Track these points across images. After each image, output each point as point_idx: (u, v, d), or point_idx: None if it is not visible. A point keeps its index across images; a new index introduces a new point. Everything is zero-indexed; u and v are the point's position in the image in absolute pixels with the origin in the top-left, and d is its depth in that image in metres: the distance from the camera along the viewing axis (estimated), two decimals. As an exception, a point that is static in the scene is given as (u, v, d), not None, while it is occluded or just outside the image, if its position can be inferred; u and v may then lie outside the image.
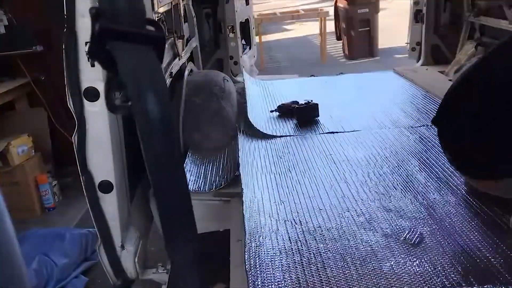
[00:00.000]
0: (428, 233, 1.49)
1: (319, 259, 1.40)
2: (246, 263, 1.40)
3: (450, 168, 1.93)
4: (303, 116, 2.68)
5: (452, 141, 1.70)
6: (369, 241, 1.48)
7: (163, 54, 0.58)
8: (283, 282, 1.32)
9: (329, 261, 1.39)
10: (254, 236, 1.55)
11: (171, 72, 2.32)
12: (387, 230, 1.53)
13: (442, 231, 1.50)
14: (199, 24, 3.52)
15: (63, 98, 1.46)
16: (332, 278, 1.31)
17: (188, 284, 0.59)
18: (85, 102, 1.42)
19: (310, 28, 9.51)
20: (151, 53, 0.55)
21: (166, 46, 2.37)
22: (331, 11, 7.51)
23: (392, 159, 2.09)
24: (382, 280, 1.29)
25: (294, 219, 1.64)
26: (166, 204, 0.54)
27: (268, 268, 1.38)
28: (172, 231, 0.55)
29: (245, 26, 4.07)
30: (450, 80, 3.27)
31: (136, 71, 0.53)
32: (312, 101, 2.70)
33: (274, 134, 2.52)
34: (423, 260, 1.36)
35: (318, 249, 1.46)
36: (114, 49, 0.53)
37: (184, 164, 2.29)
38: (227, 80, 2.83)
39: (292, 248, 1.47)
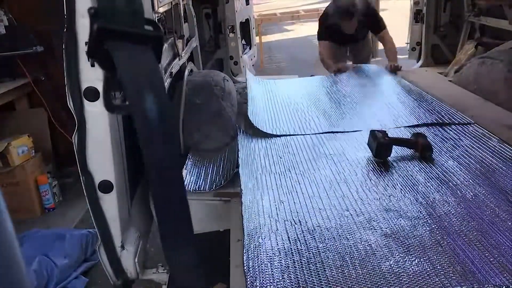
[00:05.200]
0: (427, 232, 1.50)
1: (319, 259, 1.40)
2: (245, 265, 1.40)
3: (450, 168, 1.94)
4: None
5: None
6: (369, 240, 1.48)
7: (161, 54, 0.58)
8: (282, 282, 1.31)
9: (329, 261, 1.39)
10: (253, 237, 1.54)
11: (171, 72, 2.32)
12: (386, 229, 1.53)
13: (441, 230, 1.50)
14: (199, 24, 3.53)
15: (63, 98, 1.46)
16: (331, 278, 1.31)
17: (187, 286, 0.59)
18: (85, 102, 1.42)
19: (310, 29, 9.50)
20: (149, 52, 0.55)
21: (166, 46, 2.38)
22: (331, 11, 7.49)
23: (391, 159, 2.09)
24: (381, 279, 1.29)
25: (293, 219, 1.64)
26: (163, 206, 0.54)
27: (267, 269, 1.38)
28: (169, 233, 0.55)
29: (245, 26, 4.08)
30: (450, 80, 3.28)
31: (134, 71, 0.53)
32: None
33: (274, 134, 2.52)
34: (422, 260, 1.36)
35: (318, 249, 1.46)
36: (112, 48, 0.53)
37: (185, 165, 2.29)
38: (227, 80, 2.83)
39: (291, 248, 1.47)
